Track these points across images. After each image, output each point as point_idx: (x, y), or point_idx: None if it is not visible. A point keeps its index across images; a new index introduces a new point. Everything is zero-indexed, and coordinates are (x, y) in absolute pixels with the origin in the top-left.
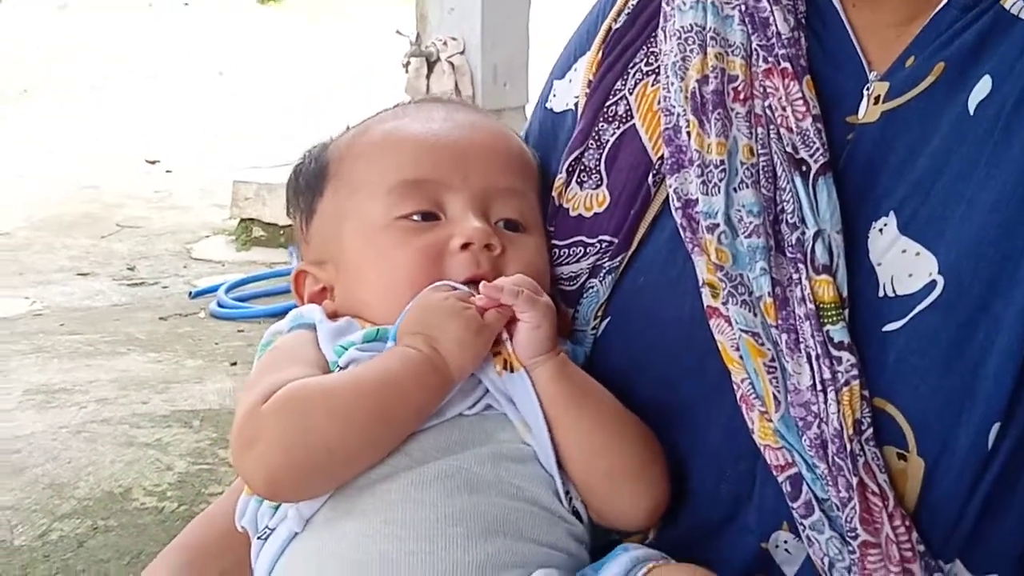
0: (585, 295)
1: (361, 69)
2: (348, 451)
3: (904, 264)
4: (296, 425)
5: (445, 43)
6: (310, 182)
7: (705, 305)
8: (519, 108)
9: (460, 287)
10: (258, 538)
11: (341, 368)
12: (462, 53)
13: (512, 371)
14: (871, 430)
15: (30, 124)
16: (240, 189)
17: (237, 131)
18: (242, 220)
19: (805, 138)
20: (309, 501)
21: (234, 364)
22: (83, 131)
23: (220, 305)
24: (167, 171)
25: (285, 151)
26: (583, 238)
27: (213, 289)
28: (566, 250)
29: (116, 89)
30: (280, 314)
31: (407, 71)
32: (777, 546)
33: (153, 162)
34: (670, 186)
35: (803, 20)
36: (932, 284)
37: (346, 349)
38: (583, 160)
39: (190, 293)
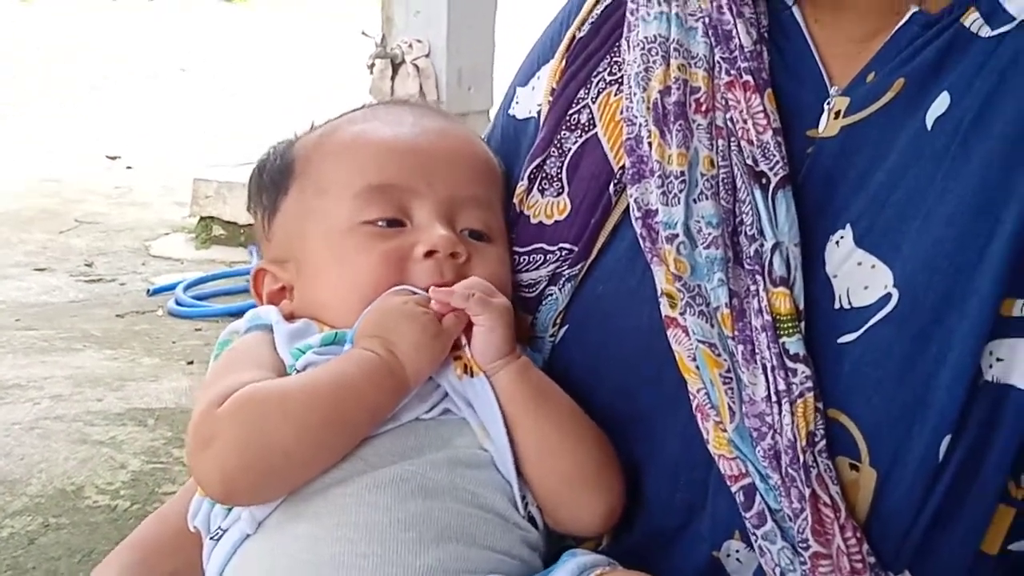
0: (544, 302)
1: (325, 69)
2: (303, 454)
3: (860, 276)
4: (252, 428)
5: (410, 45)
6: (275, 179)
7: (663, 315)
8: (483, 112)
9: (419, 292)
10: (210, 538)
11: (298, 371)
12: (427, 56)
13: (472, 375)
14: (824, 442)
15: None
16: (200, 187)
17: (198, 128)
18: (202, 218)
19: (765, 151)
20: (262, 504)
21: (191, 363)
22: (42, 125)
23: (178, 303)
24: (127, 167)
25: (246, 150)
26: (543, 245)
27: (171, 287)
28: (526, 257)
29: (78, 85)
30: (238, 313)
31: (372, 72)
32: (728, 555)
33: (114, 158)
34: (631, 196)
35: (765, 34)
36: (887, 297)
37: (303, 352)
38: (545, 168)
39: (148, 291)
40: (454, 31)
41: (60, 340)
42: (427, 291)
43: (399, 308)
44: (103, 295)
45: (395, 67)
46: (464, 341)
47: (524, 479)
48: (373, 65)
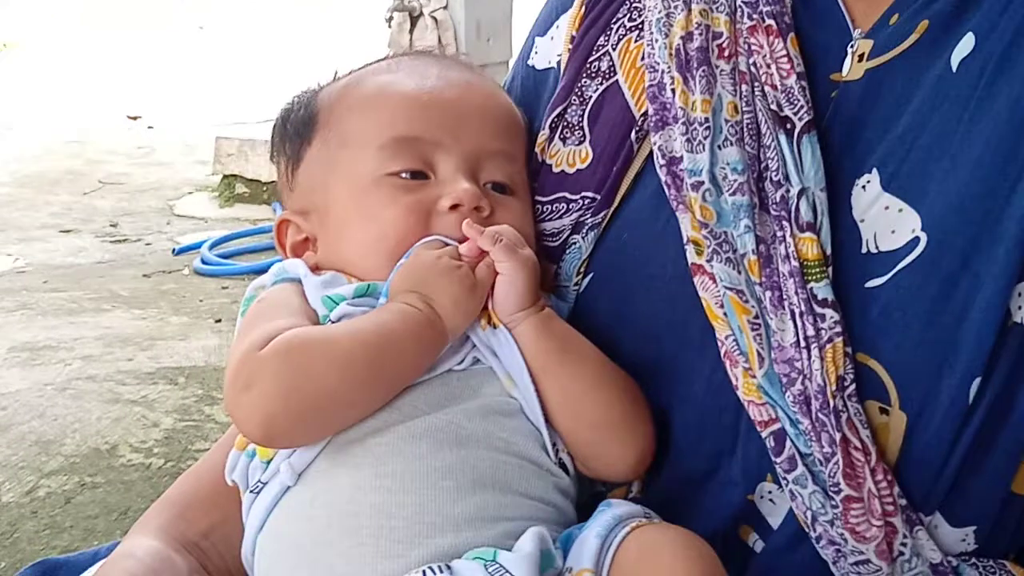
0: (568, 251)
1: (343, 23)
2: (344, 399)
3: (887, 220)
4: (295, 370)
5: None
6: (298, 129)
7: (689, 262)
8: (502, 63)
9: (450, 242)
10: (250, 492)
11: (332, 321)
12: (445, 8)
13: (494, 327)
14: (854, 386)
15: (13, 78)
16: (222, 145)
17: (218, 86)
18: (225, 176)
19: (789, 96)
20: (301, 455)
21: (218, 321)
22: (62, 85)
23: (204, 262)
24: (149, 127)
25: (267, 107)
26: (566, 194)
27: (196, 246)
28: (549, 206)
29: (96, 44)
30: (264, 270)
31: (390, 25)
32: (762, 497)
33: (135, 118)
34: (654, 143)
35: None
36: (915, 240)
37: (336, 303)
38: (566, 116)
39: (173, 250)
40: None
41: (88, 301)
42: (458, 242)
43: (435, 263)
44: (129, 255)
45: (413, 19)
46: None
47: (553, 427)
48: (391, 18)
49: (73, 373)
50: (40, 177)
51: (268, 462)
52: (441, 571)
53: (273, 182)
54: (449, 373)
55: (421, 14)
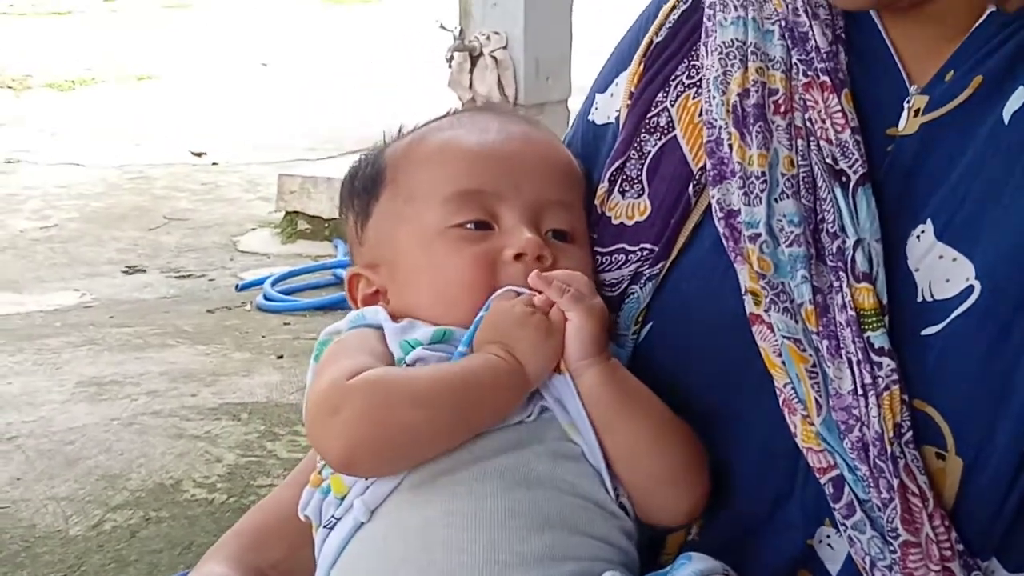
0: (626, 301)
1: (404, 63)
2: (426, 436)
3: (941, 269)
4: (382, 402)
5: (488, 37)
6: (367, 185)
7: (748, 312)
8: (561, 102)
9: (524, 291)
10: (323, 527)
11: (407, 364)
12: (505, 48)
13: (559, 372)
14: (911, 433)
15: (81, 115)
16: (285, 182)
17: (281, 123)
18: (287, 213)
19: (844, 149)
20: (374, 491)
21: (280, 357)
22: (129, 121)
23: (266, 298)
24: (213, 163)
25: (328, 144)
26: (625, 246)
27: (259, 282)
28: (608, 257)
29: (161, 80)
30: (326, 307)
31: (450, 65)
32: (821, 541)
33: (199, 154)
34: (713, 197)
35: (842, 34)
36: (969, 289)
37: (412, 346)
38: (625, 170)
39: (236, 286)
40: (531, 22)
41: (153, 336)
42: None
43: (511, 313)
44: (193, 291)
45: (473, 59)
46: None
47: (612, 473)
48: (452, 58)
49: (139, 408)
50: (107, 213)
51: (342, 498)
52: None
53: (335, 219)
54: (519, 424)
55: (481, 54)
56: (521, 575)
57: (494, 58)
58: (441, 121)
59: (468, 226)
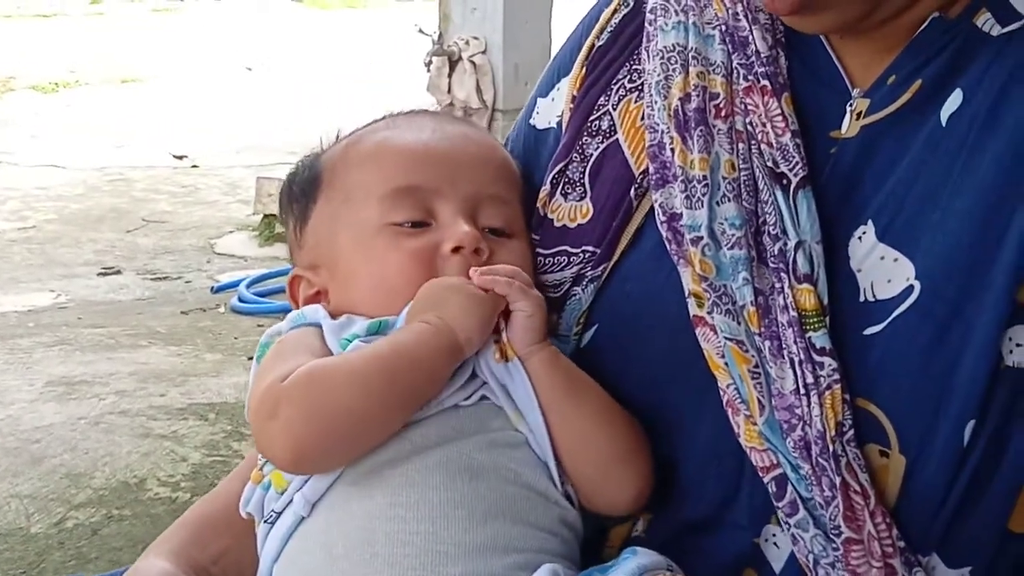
0: (568, 302)
1: (383, 67)
2: (368, 416)
3: (883, 270)
4: (317, 393)
5: (467, 42)
6: (304, 189)
7: (691, 314)
8: None
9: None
10: (265, 522)
11: None
12: (484, 52)
13: (508, 360)
14: (852, 431)
15: (61, 117)
16: (264, 185)
17: (263, 127)
18: (265, 216)
19: (785, 153)
20: (313, 485)
21: (251, 358)
22: (114, 124)
23: (240, 300)
24: (193, 166)
25: (310, 148)
26: (567, 248)
27: (234, 284)
28: (550, 259)
29: (144, 83)
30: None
31: (429, 70)
32: (767, 540)
33: (180, 157)
34: (655, 200)
35: (782, 39)
36: (910, 289)
37: (350, 341)
38: (567, 172)
39: (212, 288)
40: (510, 27)
41: (126, 337)
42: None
43: (444, 283)
44: (169, 293)
45: (452, 64)
46: (502, 326)
47: (558, 460)
48: (431, 63)
49: (106, 408)
50: (85, 214)
51: (283, 493)
52: None
53: None
54: (456, 408)
55: (460, 59)
56: (464, 566)
57: (473, 63)
58: (377, 123)
59: (405, 224)
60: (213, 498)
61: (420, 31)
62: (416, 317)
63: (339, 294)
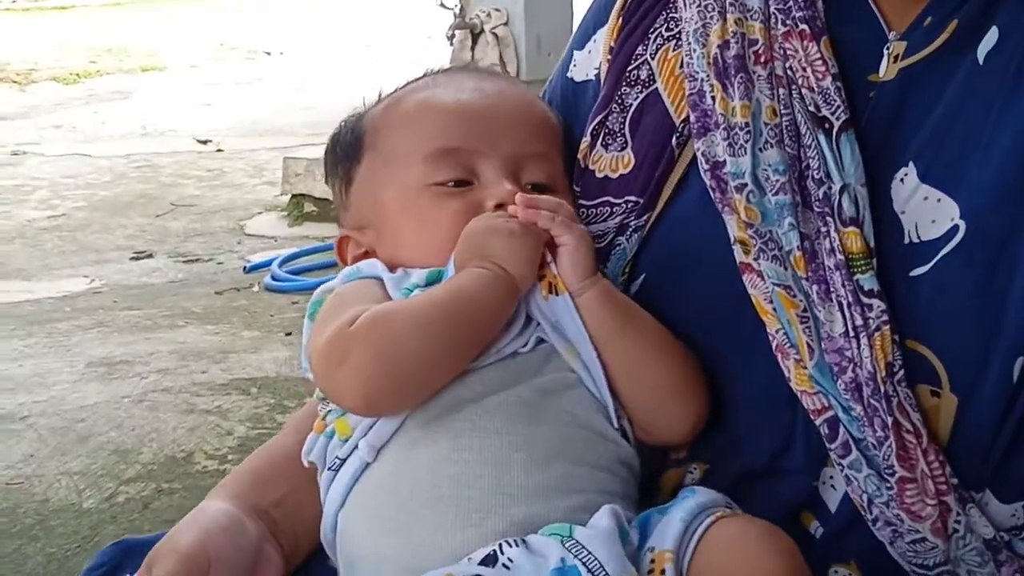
0: (613, 252)
1: (408, 42)
2: (435, 358)
3: (926, 211)
4: (386, 337)
5: (489, 15)
6: (347, 151)
7: (737, 261)
8: None
9: None
10: (329, 469)
11: None
12: (506, 24)
13: (557, 294)
14: (903, 371)
15: (86, 106)
16: (291, 165)
17: (286, 109)
18: (293, 196)
19: (826, 97)
20: (378, 431)
21: (289, 334)
22: (137, 112)
23: (274, 278)
24: (218, 150)
25: (333, 126)
26: (609, 198)
27: (267, 263)
28: (593, 210)
29: (168, 69)
30: None
31: (451, 43)
32: (824, 483)
33: (204, 142)
34: (697, 149)
35: None
36: (955, 228)
37: (411, 291)
38: (607, 123)
39: (244, 268)
40: None
41: (163, 318)
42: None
43: (485, 225)
44: (201, 274)
45: (475, 36)
46: (549, 259)
47: (613, 393)
48: (453, 35)
49: (149, 386)
50: (114, 201)
51: (346, 440)
52: (516, 544)
53: None
54: (515, 355)
55: (482, 31)
56: (527, 508)
57: (495, 35)
58: (417, 83)
59: (449, 184)
60: (271, 448)
61: (442, 4)
62: (465, 263)
63: (387, 253)
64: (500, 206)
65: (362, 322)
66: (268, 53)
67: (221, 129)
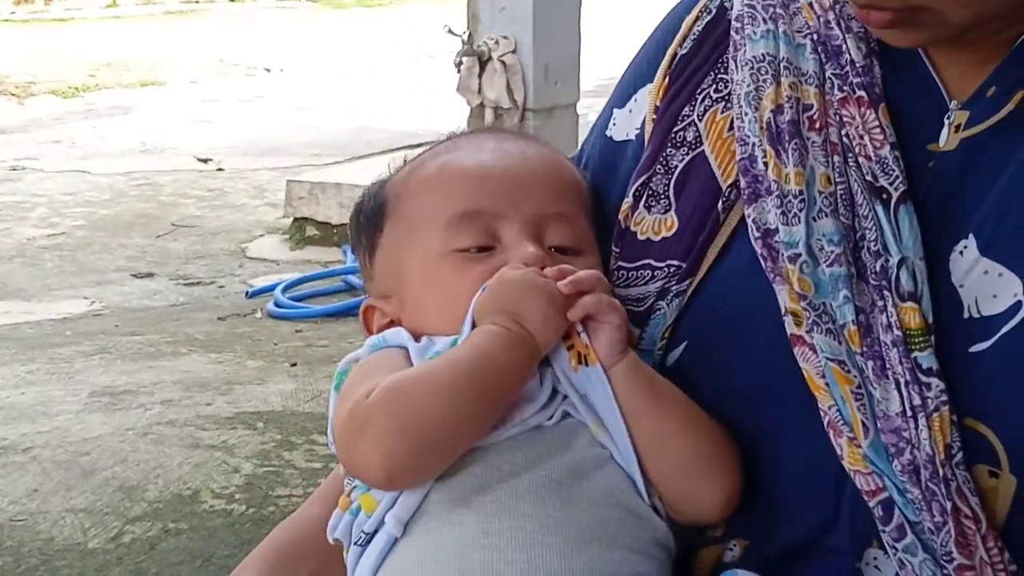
0: (652, 317)
1: (413, 67)
2: (455, 423)
3: (987, 285)
4: (404, 406)
5: (497, 42)
6: (370, 219)
7: (789, 333)
8: (570, 106)
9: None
10: (356, 544)
11: None
12: (514, 52)
13: (587, 364)
14: (961, 454)
15: (85, 121)
16: (293, 188)
17: (286, 129)
18: (295, 219)
19: (884, 166)
20: (403, 504)
21: (294, 365)
22: (137, 128)
23: (277, 305)
24: (218, 169)
25: (334, 149)
26: (651, 261)
27: (269, 288)
28: (634, 272)
29: (167, 87)
30: (337, 313)
31: (459, 70)
32: (867, 564)
33: (205, 160)
34: (748, 216)
35: (875, 48)
36: (1018, 304)
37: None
38: (651, 185)
39: (246, 293)
40: (540, 26)
41: (165, 344)
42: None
43: (519, 278)
44: (203, 298)
45: (482, 64)
46: (579, 329)
47: (643, 469)
48: (461, 63)
49: (153, 418)
50: (114, 220)
51: (370, 514)
52: None
53: (343, 224)
54: (539, 429)
55: (490, 58)
56: None
57: (503, 63)
58: (438, 147)
59: (471, 250)
60: (294, 523)
61: (449, 31)
62: (490, 315)
63: (411, 321)
64: None
65: (378, 393)
66: (268, 70)
67: (221, 147)
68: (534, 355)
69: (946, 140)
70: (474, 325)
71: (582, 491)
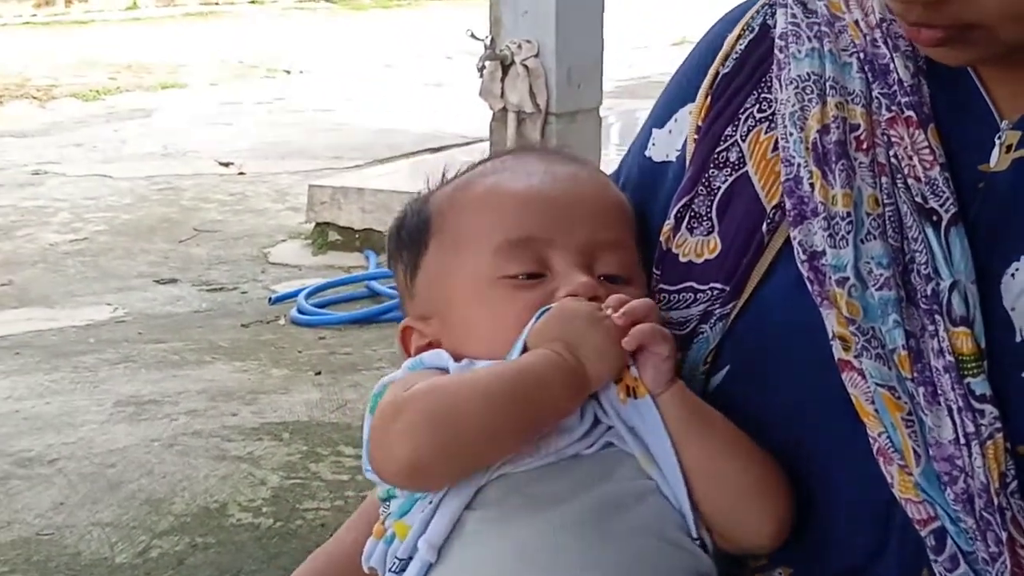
0: (695, 340)
1: (435, 70)
2: (489, 428)
3: None
4: (443, 402)
5: (520, 46)
6: (413, 236)
7: (836, 358)
8: (593, 110)
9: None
10: (390, 571)
11: None
12: (536, 56)
13: (636, 397)
14: (1015, 482)
15: (106, 124)
16: (316, 193)
17: (307, 132)
18: (318, 224)
19: (934, 188)
20: (434, 528)
21: (318, 373)
22: (158, 131)
23: (300, 311)
24: (240, 173)
25: (356, 153)
26: (693, 284)
27: (293, 295)
28: (676, 295)
29: (188, 89)
30: (360, 320)
31: (481, 74)
32: None
33: (226, 164)
34: (794, 238)
35: (923, 67)
36: None
37: None
38: (693, 206)
39: (270, 299)
40: (562, 30)
41: (189, 352)
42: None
43: (580, 310)
44: (226, 304)
45: (505, 68)
46: (628, 361)
47: (691, 499)
48: (483, 67)
49: (179, 429)
50: (136, 225)
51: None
52: None
53: (366, 229)
54: (577, 458)
55: (513, 62)
56: None
57: (526, 67)
58: (485, 166)
59: (520, 277)
60: (328, 551)
61: (472, 35)
62: (544, 342)
63: (452, 343)
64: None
65: (420, 385)
66: (288, 72)
67: (243, 150)
68: (583, 387)
69: (997, 160)
70: (525, 350)
71: (623, 523)
